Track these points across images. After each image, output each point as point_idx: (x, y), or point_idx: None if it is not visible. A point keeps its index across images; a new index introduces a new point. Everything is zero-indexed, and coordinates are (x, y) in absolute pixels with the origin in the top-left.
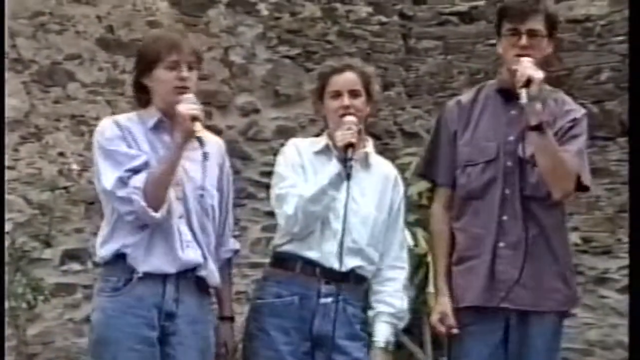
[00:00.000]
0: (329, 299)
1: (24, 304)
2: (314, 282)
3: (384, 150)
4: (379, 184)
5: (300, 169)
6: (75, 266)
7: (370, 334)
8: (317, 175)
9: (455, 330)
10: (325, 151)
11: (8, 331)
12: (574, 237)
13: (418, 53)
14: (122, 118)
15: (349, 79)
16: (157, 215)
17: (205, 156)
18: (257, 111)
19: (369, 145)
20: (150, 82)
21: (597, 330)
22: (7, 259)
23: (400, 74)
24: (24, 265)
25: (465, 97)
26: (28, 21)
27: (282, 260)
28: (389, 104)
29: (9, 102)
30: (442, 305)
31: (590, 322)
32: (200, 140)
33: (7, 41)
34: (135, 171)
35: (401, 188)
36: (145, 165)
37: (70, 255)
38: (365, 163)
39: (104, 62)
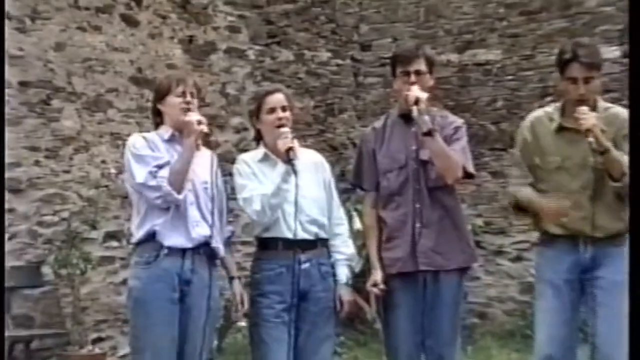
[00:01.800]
0: (307, 264)
1: (77, 271)
2: (293, 254)
3: (339, 159)
4: (312, 170)
5: (253, 176)
6: (114, 243)
7: (334, 276)
8: (266, 177)
9: (383, 293)
10: (265, 158)
11: (67, 290)
12: (479, 221)
13: (365, 87)
14: (146, 134)
15: (280, 98)
16: (180, 196)
17: (212, 160)
18: (246, 129)
19: (296, 143)
20: (163, 107)
21: (495, 288)
22: (64, 238)
23: (351, 102)
24: (77, 242)
25: (378, 123)
26: (80, 64)
27: (266, 244)
28: (343, 124)
29: (65, 123)
30: (374, 276)
31: (489, 283)
32: (207, 134)
33: (64, 79)
34: (160, 167)
35: (327, 167)
36: (167, 163)
37: (111, 236)
38: (296, 157)
39: (135, 94)
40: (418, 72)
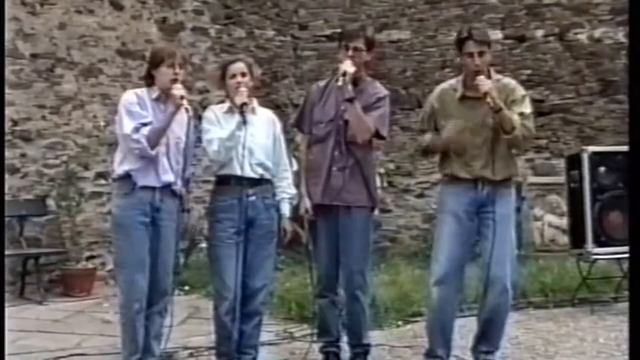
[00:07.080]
0: (254, 197)
1: (73, 203)
2: (242, 188)
3: (282, 115)
4: (264, 123)
5: (217, 123)
6: (102, 181)
7: (278, 210)
8: (227, 124)
9: (312, 217)
10: (229, 110)
11: (66, 218)
12: (391, 165)
13: (302, 58)
14: (138, 90)
15: (240, 66)
16: (152, 152)
17: (189, 118)
18: (207, 91)
19: (255, 103)
20: (156, 73)
21: (403, 219)
22: (64, 177)
23: (291, 70)
24: (74, 180)
25: (322, 83)
26: (77, 40)
27: (221, 180)
28: (284, 87)
29: (65, 86)
30: (304, 204)
31: (399, 214)
32: (186, 109)
33: (65, 51)
34: (144, 125)
35: (278, 124)
36: (150, 122)
37: (100, 175)
38: (254, 112)
39: (120, 63)
40: (356, 49)
